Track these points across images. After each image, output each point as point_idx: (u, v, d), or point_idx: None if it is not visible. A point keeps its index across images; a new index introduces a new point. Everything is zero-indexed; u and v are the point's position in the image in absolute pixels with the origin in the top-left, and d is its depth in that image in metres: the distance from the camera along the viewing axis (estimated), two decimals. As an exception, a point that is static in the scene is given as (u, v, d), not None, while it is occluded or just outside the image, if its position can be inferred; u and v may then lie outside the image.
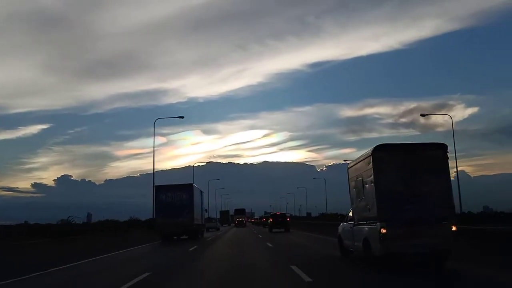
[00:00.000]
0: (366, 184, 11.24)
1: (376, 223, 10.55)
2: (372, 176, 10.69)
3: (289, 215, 51.95)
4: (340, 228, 14.70)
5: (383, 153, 10.74)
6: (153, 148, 36.59)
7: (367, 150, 11.33)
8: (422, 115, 40.20)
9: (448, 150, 10.84)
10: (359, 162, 11.97)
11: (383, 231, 10.28)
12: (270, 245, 21.43)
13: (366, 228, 11.31)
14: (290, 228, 39.82)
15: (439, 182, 10.60)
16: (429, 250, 10.43)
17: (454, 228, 10.36)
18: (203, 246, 22.58)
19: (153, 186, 32.53)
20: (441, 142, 10.97)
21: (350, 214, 13.67)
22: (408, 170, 10.63)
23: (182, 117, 36.61)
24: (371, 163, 10.76)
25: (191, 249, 19.83)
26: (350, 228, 13.05)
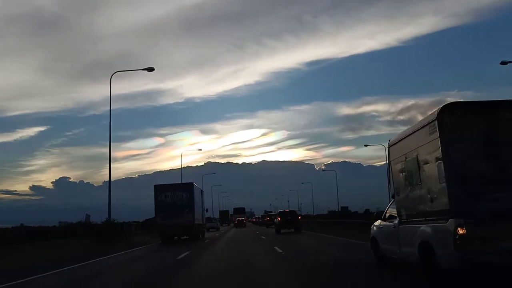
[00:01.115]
0: (426, 163, 7.78)
1: (446, 219, 7.10)
2: (439, 151, 7.22)
3: (300, 212, 47.98)
4: (374, 228, 11.25)
5: (455, 117, 7.26)
6: (109, 116, 28.21)
7: (428, 115, 7.86)
8: (503, 63, 27.32)
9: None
10: (411, 134, 8.49)
11: (461, 231, 6.81)
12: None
13: (426, 228, 7.83)
14: (301, 228, 34.72)
15: (540, 157, 7.15)
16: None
17: None
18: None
19: (109, 181, 28.33)
20: None
21: (391, 209, 10.28)
22: (493, 140, 7.19)
23: (151, 69, 28.87)
24: (437, 132, 7.29)
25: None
26: (393, 227, 9.60)
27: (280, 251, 16.64)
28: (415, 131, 8.25)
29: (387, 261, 10.39)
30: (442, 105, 7.36)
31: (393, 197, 10.03)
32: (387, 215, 10.49)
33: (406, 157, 8.73)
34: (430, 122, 7.51)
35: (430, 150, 7.55)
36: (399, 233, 9.20)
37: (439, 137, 7.22)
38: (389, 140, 9.90)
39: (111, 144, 28.00)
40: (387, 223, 10.25)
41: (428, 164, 7.69)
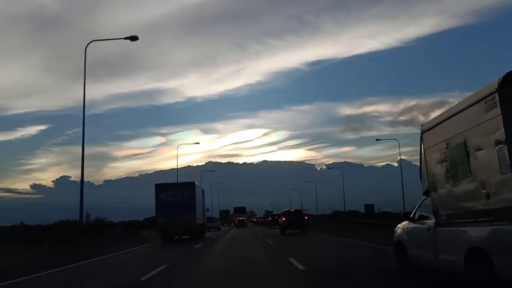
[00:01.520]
0: (480, 149, 6.15)
1: (510, 220, 5.49)
2: (501, 132, 5.60)
3: (306, 212, 46.02)
4: (399, 230, 9.61)
5: (522, 88, 5.67)
6: (83, 97, 24.53)
7: (482, 87, 6.20)
8: None
9: None
10: (455, 114, 6.85)
11: (533, 236, 5.22)
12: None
13: (478, 231, 6.21)
14: (308, 229, 32.44)
15: None
16: None
17: None
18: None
19: (82, 178, 25.59)
20: None
21: (422, 208, 8.68)
22: None
23: (134, 38, 24.30)
24: (497, 107, 5.67)
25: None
26: (428, 230, 7.97)
27: (302, 267, 10.94)
28: (461, 110, 6.62)
29: (414, 269, 8.80)
30: (505, 74, 5.73)
31: (425, 193, 8.43)
32: (417, 215, 8.87)
33: (448, 144, 7.10)
34: (487, 96, 5.87)
35: (487, 132, 5.92)
36: (437, 237, 7.58)
37: (501, 113, 5.60)
38: (423, 125, 8.27)
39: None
40: (418, 224, 8.63)
41: (483, 150, 6.06)
